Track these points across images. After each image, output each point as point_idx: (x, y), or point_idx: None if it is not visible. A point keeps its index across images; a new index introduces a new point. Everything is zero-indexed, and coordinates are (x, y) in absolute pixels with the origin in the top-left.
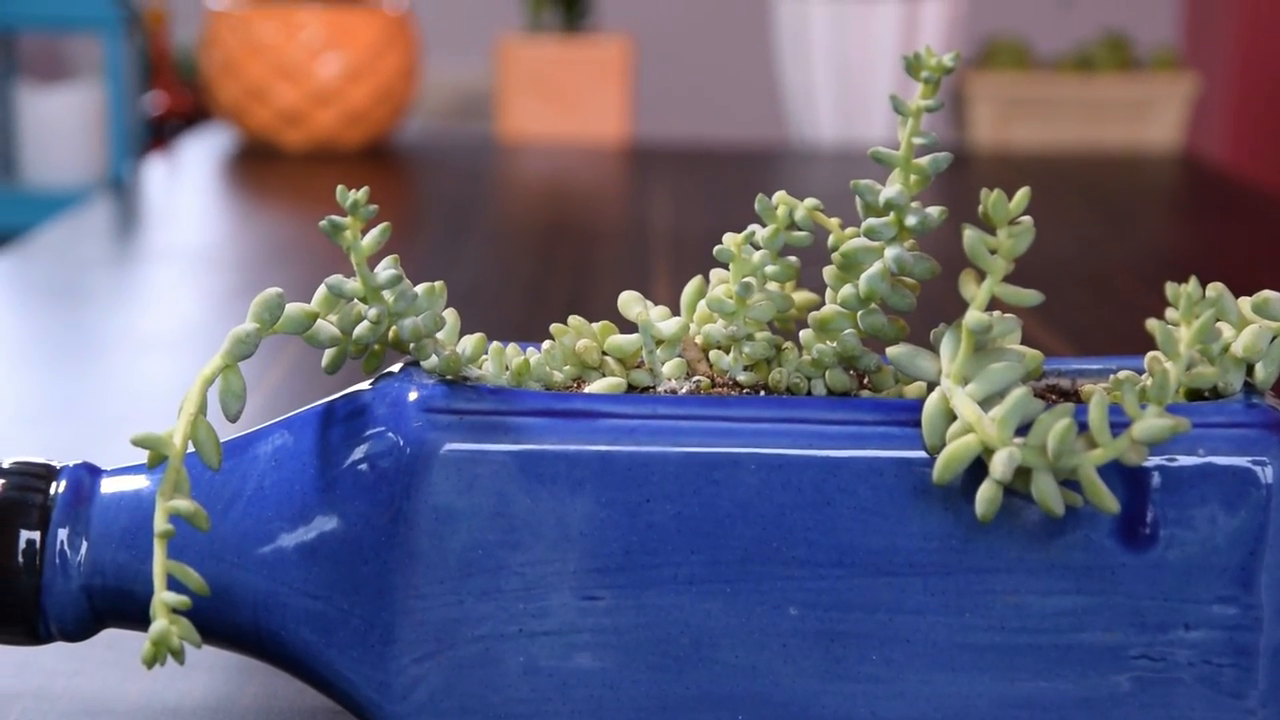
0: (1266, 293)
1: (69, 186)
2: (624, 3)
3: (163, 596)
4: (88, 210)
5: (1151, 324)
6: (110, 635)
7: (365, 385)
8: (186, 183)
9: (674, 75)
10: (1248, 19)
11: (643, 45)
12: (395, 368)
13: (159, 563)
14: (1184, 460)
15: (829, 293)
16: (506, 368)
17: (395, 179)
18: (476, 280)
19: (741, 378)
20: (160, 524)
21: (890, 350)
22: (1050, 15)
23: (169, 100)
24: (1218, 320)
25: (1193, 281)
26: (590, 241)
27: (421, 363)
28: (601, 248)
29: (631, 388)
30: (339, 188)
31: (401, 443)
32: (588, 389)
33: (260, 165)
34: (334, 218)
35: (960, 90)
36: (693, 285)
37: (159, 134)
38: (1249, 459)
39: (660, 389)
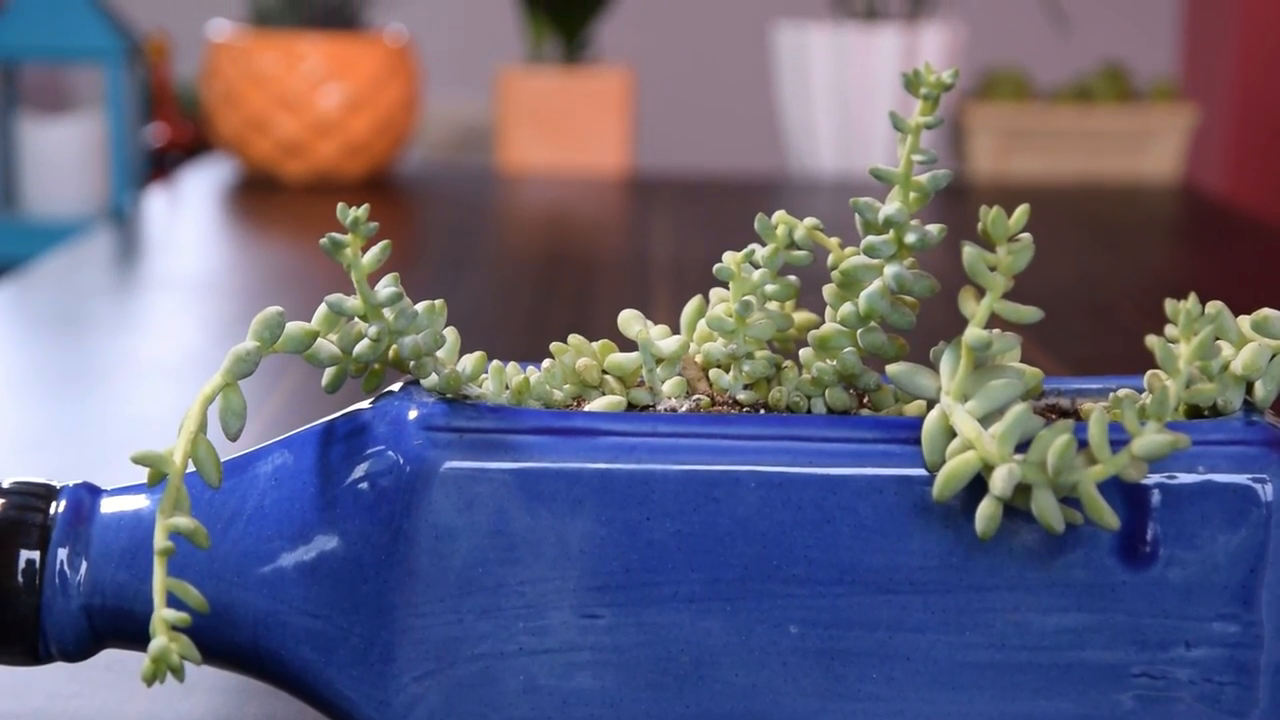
0: (1266, 310)
1: (70, 217)
2: (624, 34)
3: (162, 614)
4: (89, 240)
5: (1151, 340)
6: (110, 656)
7: (365, 404)
8: (187, 213)
9: (674, 106)
10: (1247, 50)
11: (643, 76)
12: (395, 386)
13: (159, 580)
14: (1184, 478)
15: (829, 311)
16: (506, 386)
17: (396, 209)
18: (477, 309)
19: (741, 396)
20: (160, 541)
21: (890, 368)
22: (1049, 46)
23: (170, 132)
24: (1217, 338)
25: (1192, 298)
26: (591, 271)
27: (421, 381)
28: (602, 277)
29: (631, 406)
30: (339, 205)
31: (401, 461)
32: (588, 407)
33: (261, 196)
34: (334, 235)
35: (959, 121)
36: (693, 304)
37: (160, 165)
38: (1249, 476)
39: (660, 407)
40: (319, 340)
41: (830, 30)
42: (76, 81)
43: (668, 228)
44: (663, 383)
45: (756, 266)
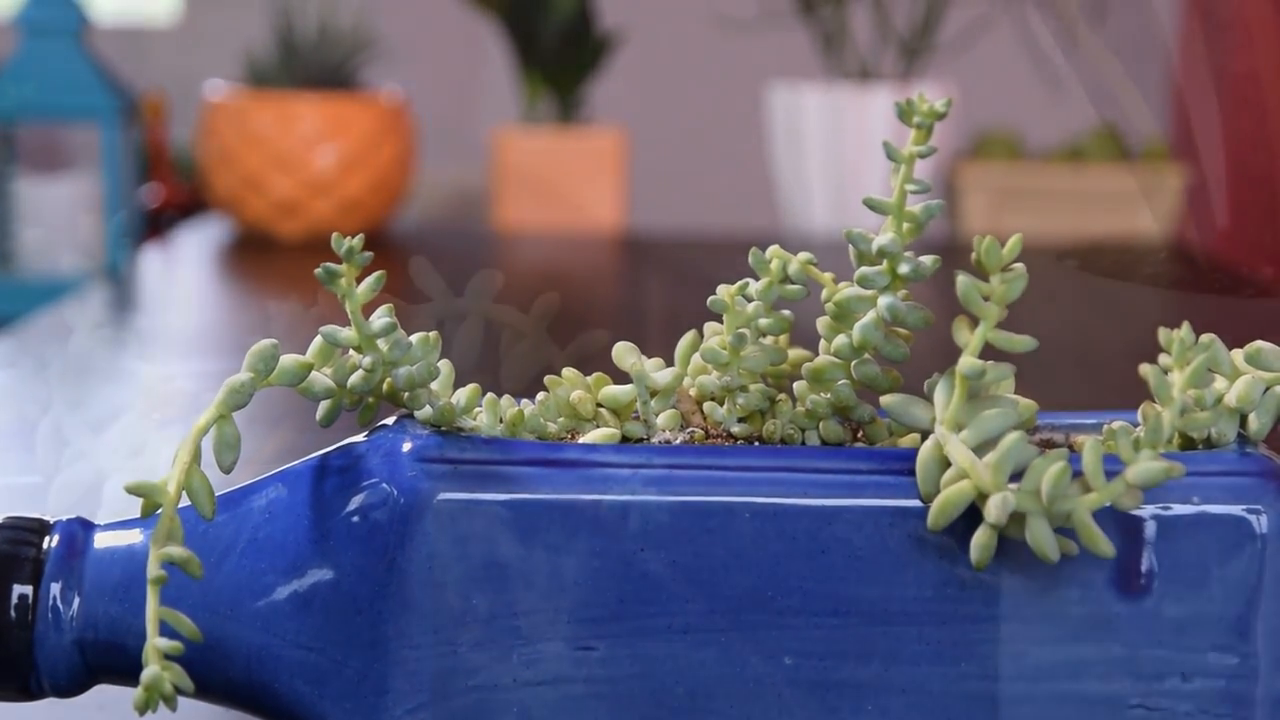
0: (1259, 343)
1: (66, 275)
2: (618, 94)
3: (155, 642)
4: (84, 296)
5: (1145, 369)
6: (102, 695)
7: (359, 437)
8: (182, 271)
9: (668, 165)
10: (1238, 111)
11: (637, 136)
12: (389, 420)
13: (152, 609)
14: (1179, 509)
15: (822, 344)
16: (500, 419)
17: (391, 267)
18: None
19: (735, 429)
20: (153, 570)
21: (884, 399)
22: (1042, 107)
23: (165, 192)
24: (1210, 369)
25: (1185, 326)
26: (585, 329)
27: (416, 413)
28: (595, 334)
29: (626, 439)
30: (334, 235)
31: (395, 493)
32: (582, 440)
33: (256, 255)
34: (329, 265)
35: (952, 181)
36: (687, 338)
37: (155, 225)
38: (1244, 508)
39: (654, 440)
40: (313, 373)
41: (823, 90)
42: (72, 140)
43: (662, 286)
44: (657, 415)
45: (750, 300)
